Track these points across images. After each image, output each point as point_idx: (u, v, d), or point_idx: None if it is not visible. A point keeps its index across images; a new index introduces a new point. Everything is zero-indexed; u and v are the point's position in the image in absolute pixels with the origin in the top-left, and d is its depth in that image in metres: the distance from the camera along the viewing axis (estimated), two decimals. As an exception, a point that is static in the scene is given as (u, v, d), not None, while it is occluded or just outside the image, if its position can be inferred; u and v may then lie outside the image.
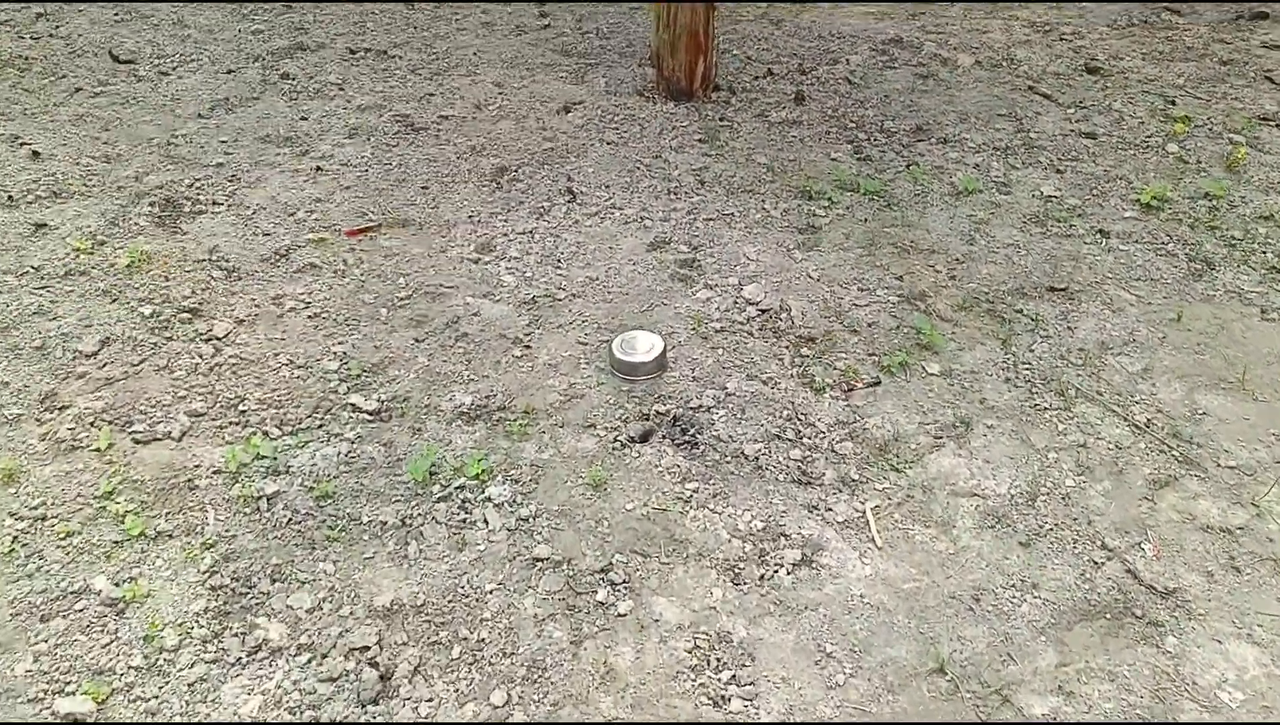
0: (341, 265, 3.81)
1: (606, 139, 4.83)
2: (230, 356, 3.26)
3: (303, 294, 3.62)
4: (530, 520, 2.61)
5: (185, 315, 3.45)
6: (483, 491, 2.70)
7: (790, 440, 2.90)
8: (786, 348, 3.32)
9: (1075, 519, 2.65)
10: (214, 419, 2.99)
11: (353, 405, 3.04)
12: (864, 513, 2.65)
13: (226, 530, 2.59)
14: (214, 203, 4.24)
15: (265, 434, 2.93)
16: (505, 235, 4.03)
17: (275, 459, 2.83)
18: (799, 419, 2.99)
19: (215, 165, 4.55)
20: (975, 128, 4.96)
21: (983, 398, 3.10)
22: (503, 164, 4.59)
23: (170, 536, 2.57)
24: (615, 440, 2.89)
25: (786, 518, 2.64)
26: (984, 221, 4.09)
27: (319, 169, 4.55)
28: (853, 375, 3.17)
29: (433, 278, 3.74)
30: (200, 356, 3.25)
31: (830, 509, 2.67)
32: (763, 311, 3.51)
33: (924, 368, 3.22)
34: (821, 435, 2.93)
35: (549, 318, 3.49)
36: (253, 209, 4.20)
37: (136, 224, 4.03)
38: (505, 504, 2.66)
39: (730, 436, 2.91)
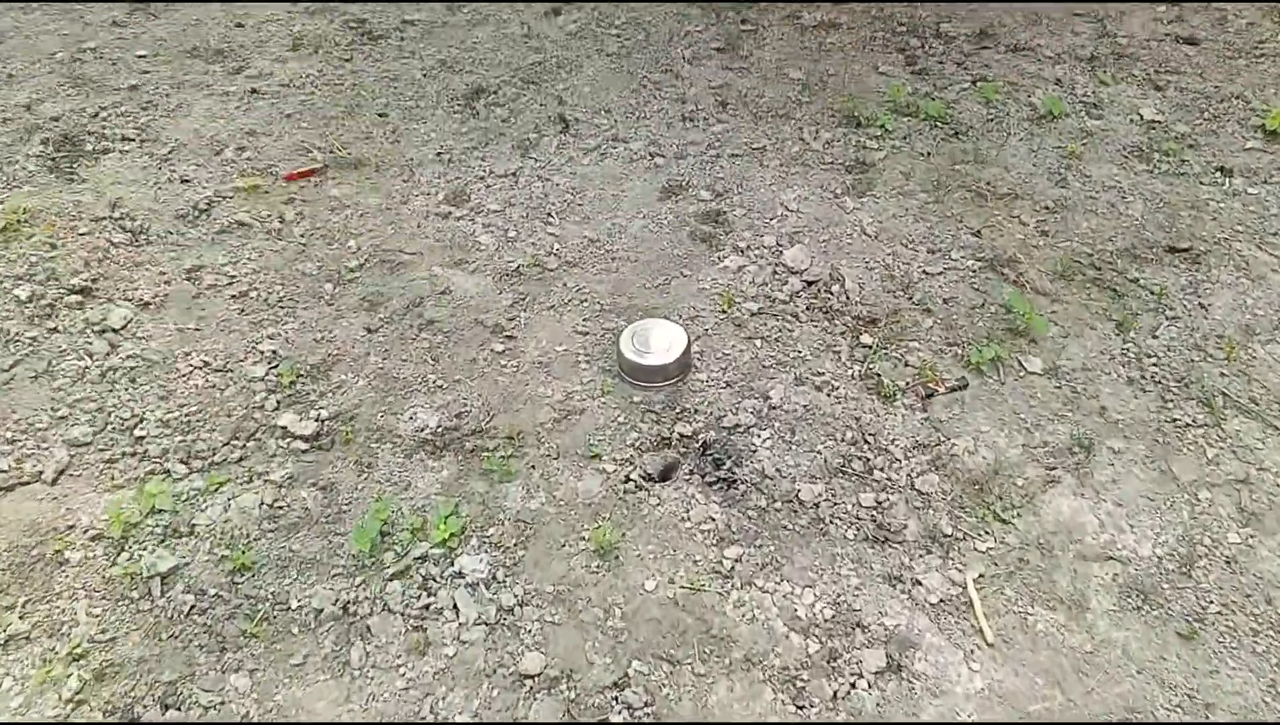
0: (278, 223, 3.04)
1: (606, 49, 3.98)
2: (128, 356, 2.53)
3: (226, 265, 2.86)
4: (516, 610, 1.93)
5: (74, 297, 2.70)
6: (451, 563, 2.02)
7: (858, 475, 2.20)
8: (843, 335, 2.59)
9: (1249, 595, 1.97)
10: (101, 450, 2.28)
11: (283, 429, 2.32)
12: (965, 587, 1.97)
13: (102, 630, 1.91)
14: (123, 139, 3.43)
15: (166, 473, 2.22)
16: (482, 179, 3.24)
17: (177, 513, 2.13)
18: (867, 442, 2.28)
19: (128, 88, 3.71)
20: (1049, 31, 4.09)
21: (1102, 407, 2.38)
22: (479, 83, 3.75)
23: (26, 640, 1.89)
24: (627, 478, 2.19)
25: (862, 597, 1.96)
26: (1075, 156, 3.29)
27: (254, 91, 3.72)
28: (931, 375, 2.45)
29: (391, 239, 2.97)
30: (90, 356, 2.52)
31: (919, 582, 1.99)
32: (809, 283, 2.76)
33: (1021, 363, 2.50)
34: (897, 465, 2.23)
35: (538, 295, 2.74)
36: (170, 146, 3.39)
37: (24, 169, 3.24)
38: (482, 583, 1.97)
39: (779, 471, 2.20)
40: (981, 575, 2.00)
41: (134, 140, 3.42)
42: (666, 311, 2.65)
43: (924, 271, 2.81)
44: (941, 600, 1.96)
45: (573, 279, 2.80)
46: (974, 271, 2.80)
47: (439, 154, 3.36)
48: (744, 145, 3.38)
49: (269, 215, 3.07)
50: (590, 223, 3.03)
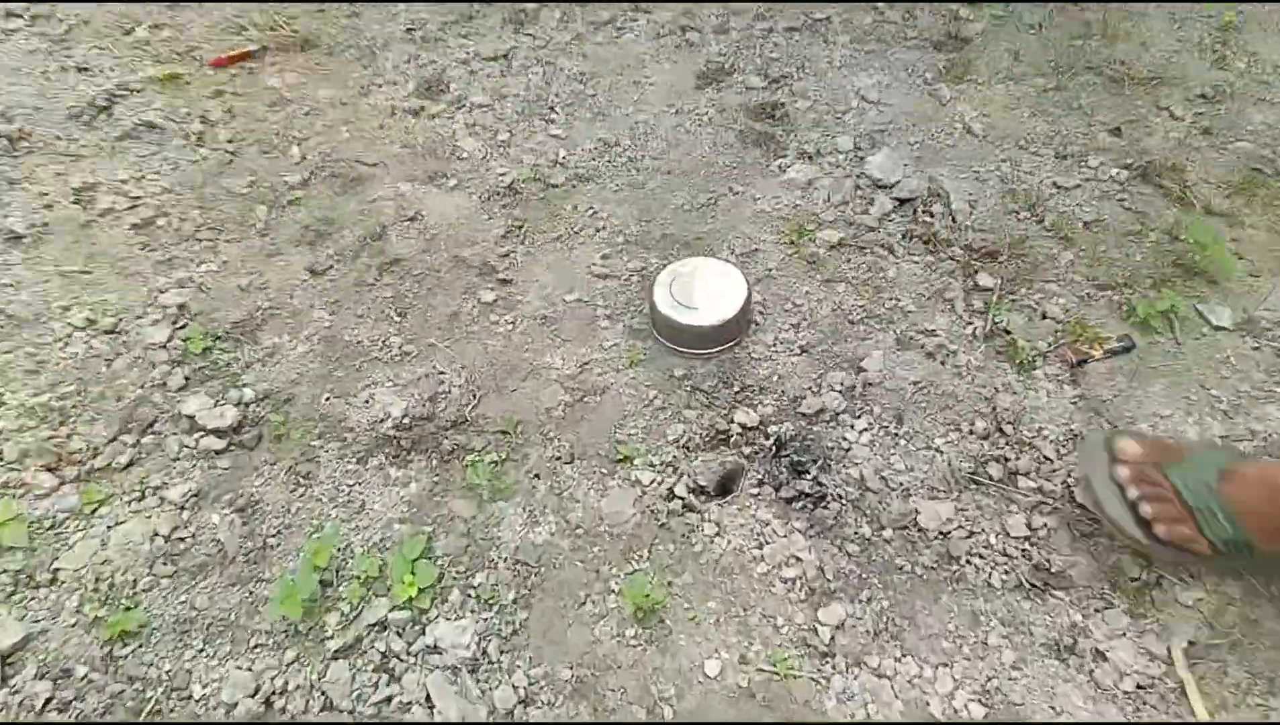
0: (199, 124, 2.33)
1: (618, -104, 3.16)
2: (-13, 312, 1.86)
3: (127, 182, 2.16)
4: (518, 711, 1.31)
5: (-79, 229, 2.02)
6: (422, 631, 1.39)
7: (998, 485, 1.56)
8: (953, 275, 1.91)
9: None
10: (-60, 450, 1.64)
11: (190, 419, 1.68)
12: (1172, 663, 1.35)
13: (-91, 744, 1.30)
14: (7, 15, 2.69)
15: (23, 487, 1.58)
16: (464, 64, 2.51)
17: (33, 551, 1.50)
18: (1004, 434, 1.63)
19: (18, -50, 2.93)
20: None
21: (1328, 380, 1.72)
22: (460, -60, 2.96)
23: None
24: (670, 494, 1.55)
25: (1023, 680, 1.34)
26: (1232, 28, 2.54)
27: (176, -47, 2.93)
28: (1081, 331, 1.78)
29: (346, 145, 2.27)
30: (-64, 312, 1.86)
31: (1102, 655, 1.36)
32: (902, 202, 2.07)
33: (1204, 315, 1.83)
34: (1050, 468, 1.58)
35: (539, 222, 2.06)
36: (67, 25, 2.66)
37: (-125, 55, 2.51)
38: (466, 666, 1.35)
39: (885, 480, 1.56)
40: (1193, 643, 1.38)
41: (20, 16, 2.68)
42: (714, 245, 1.97)
43: (1054, 184, 2.10)
44: (1139, 686, 1.33)
45: (585, 198, 2.11)
46: (1121, 184, 2.10)
47: (409, 31, 2.61)
48: (801, 15, 2.63)
49: (189, 114, 2.36)
50: (606, 120, 2.32)
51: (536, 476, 1.58)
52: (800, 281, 1.89)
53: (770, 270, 1.91)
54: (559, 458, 1.60)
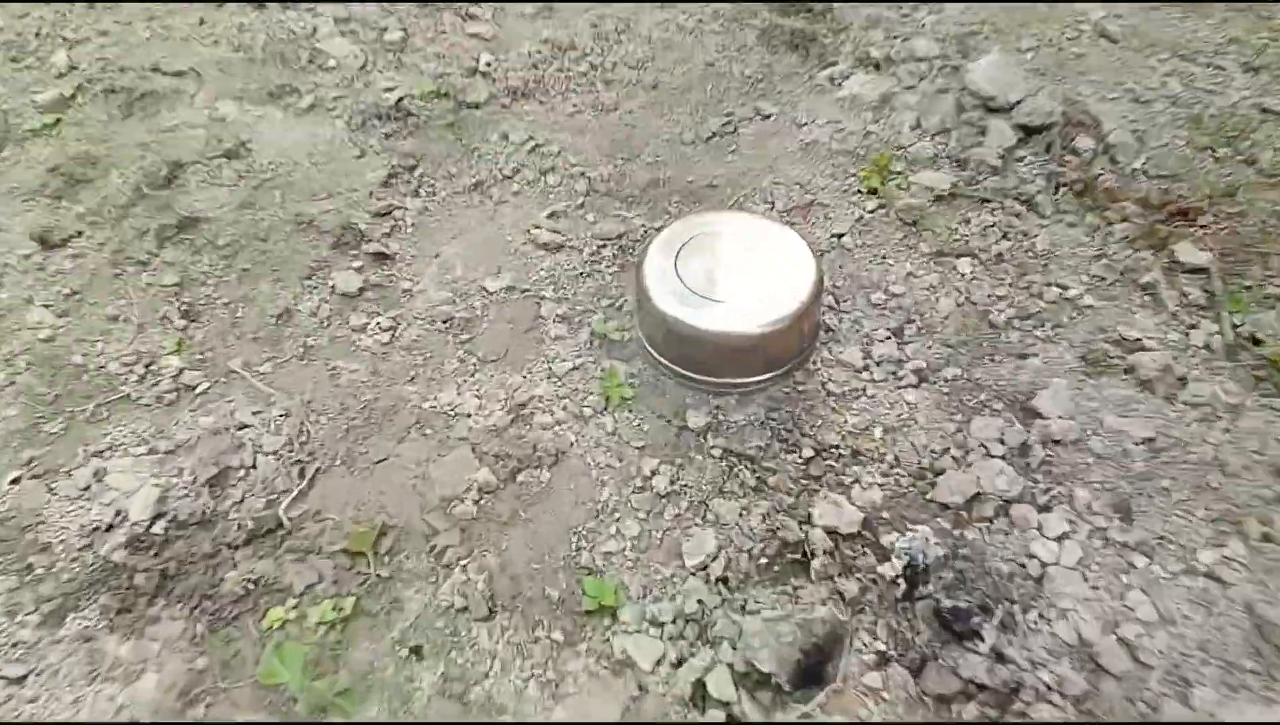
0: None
1: None
2: None
3: None
4: None
5: None
6: None
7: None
8: (1134, 245, 1.13)
9: None
10: None
11: None
12: None
13: None
14: None
15: None
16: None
17: None
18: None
19: None
20: None
21: None
22: None
23: None
24: (698, 690, 0.73)
25: None
26: None
27: None
28: (1384, 342, 1.01)
29: (142, 50, 1.43)
30: None
31: None
32: (1030, 132, 1.28)
33: None
34: None
35: (444, 162, 1.24)
36: None
37: None
38: None
39: (1131, 651, 0.76)
40: None
41: None
42: (738, 195, 1.16)
43: (1259, 107, 1.34)
44: None
45: (522, 124, 1.29)
46: (1352, 109, 1.34)
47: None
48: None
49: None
50: (555, 14, 1.50)
51: (416, 654, 0.75)
52: (894, 254, 1.10)
53: (839, 237, 1.11)
54: (463, 609, 0.78)
